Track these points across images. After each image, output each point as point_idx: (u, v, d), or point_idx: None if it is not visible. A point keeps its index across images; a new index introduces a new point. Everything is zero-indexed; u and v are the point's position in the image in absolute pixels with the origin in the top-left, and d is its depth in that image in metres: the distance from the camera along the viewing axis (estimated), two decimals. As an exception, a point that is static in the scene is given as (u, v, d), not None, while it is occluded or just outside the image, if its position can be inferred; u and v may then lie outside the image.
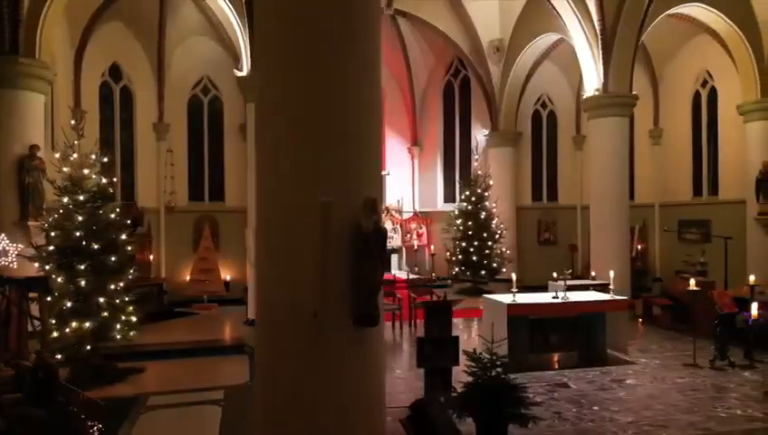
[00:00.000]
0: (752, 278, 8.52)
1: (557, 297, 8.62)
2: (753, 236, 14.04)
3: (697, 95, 16.31)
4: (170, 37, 14.96)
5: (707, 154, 16.12)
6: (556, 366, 8.50)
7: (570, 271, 9.15)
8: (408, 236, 19.93)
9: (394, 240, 19.82)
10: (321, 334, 3.63)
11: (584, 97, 13.67)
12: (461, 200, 16.82)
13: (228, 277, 15.10)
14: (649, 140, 17.54)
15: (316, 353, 3.66)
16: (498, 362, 5.71)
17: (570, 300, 8.56)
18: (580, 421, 6.23)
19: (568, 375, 8.00)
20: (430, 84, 20.39)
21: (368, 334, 3.80)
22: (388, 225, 19.70)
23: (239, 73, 11.74)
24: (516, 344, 8.35)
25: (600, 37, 12.90)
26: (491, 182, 16.67)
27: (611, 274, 9.26)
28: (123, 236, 8.87)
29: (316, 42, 3.75)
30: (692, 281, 8.45)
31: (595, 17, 12.85)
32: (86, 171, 8.58)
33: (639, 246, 17.35)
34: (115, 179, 9.76)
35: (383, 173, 20.23)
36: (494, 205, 16.33)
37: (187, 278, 14.72)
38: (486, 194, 16.34)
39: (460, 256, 16.29)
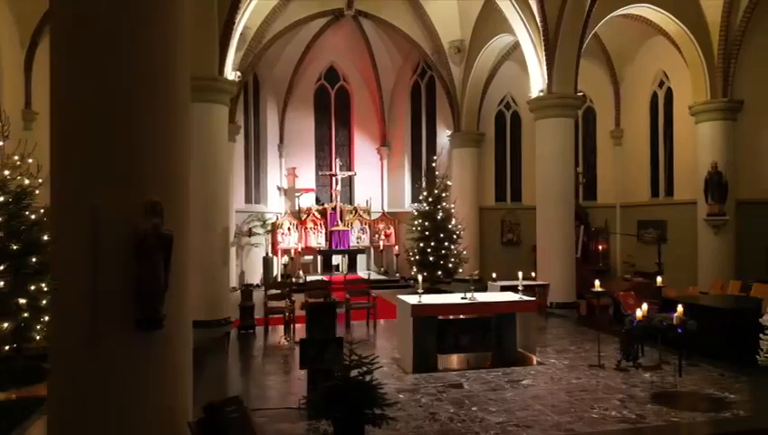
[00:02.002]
0: (659, 280, 8.53)
1: (465, 298, 8.67)
2: (703, 237, 14.01)
3: (655, 96, 16.25)
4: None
5: (664, 155, 16.08)
6: (462, 367, 8.51)
7: (476, 271, 9.12)
8: (376, 236, 20.01)
9: (362, 240, 19.96)
10: (102, 338, 3.74)
11: (530, 98, 13.70)
12: (421, 201, 16.83)
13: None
14: (611, 141, 17.49)
15: (96, 355, 3.76)
16: (359, 364, 5.78)
17: (477, 301, 8.61)
18: (451, 422, 6.27)
19: (469, 376, 8.01)
20: (398, 85, 20.44)
21: (158, 337, 3.90)
22: (356, 225, 19.81)
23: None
24: (423, 345, 8.42)
25: (542, 38, 12.90)
26: (449, 183, 16.67)
27: (520, 274, 9.29)
28: (46, 237, 8.99)
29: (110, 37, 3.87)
30: (597, 282, 8.48)
31: (537, 18, 12.83)
32: (7, 172, 8.73)
33: (601, 247, 17.35)
34: (40, 181, 9.85)
35: (349, 174, 20.37)
36: (452, 205, 16.31)
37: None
38: (444, 195, 16.31)
39: (418, 257, 16.30)
